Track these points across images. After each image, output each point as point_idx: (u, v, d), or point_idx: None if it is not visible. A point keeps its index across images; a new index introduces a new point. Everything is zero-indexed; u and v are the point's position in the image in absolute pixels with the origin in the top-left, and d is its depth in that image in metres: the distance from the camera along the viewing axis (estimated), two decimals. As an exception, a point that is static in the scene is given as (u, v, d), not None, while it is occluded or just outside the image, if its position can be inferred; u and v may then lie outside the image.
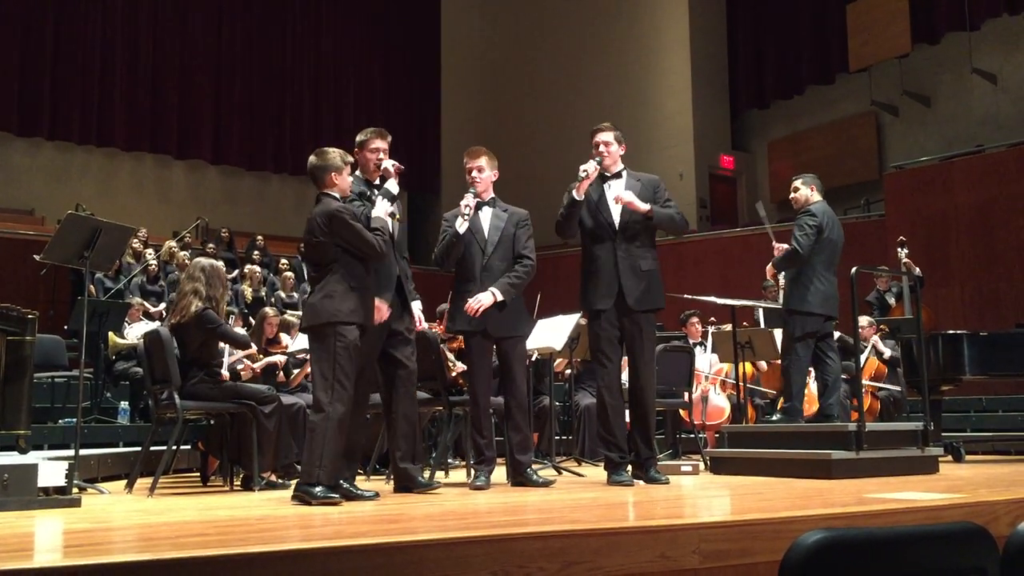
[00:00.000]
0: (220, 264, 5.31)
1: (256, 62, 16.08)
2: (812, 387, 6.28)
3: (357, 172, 4.55)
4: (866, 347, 7.73)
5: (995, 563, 1.49)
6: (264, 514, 3.46)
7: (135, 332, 8.03)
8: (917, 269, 8.28)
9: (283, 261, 12.26)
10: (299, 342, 6.46)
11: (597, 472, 5.95)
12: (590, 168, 4.69)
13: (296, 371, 6.50)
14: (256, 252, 12.27)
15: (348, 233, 3.95)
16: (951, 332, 6.91)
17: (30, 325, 4.26)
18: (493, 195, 4.87)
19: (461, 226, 4.67)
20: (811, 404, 6.27)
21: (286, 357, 6.43)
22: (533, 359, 6.62)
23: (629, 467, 4.74)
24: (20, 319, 4.23)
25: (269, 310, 6.73)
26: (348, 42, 17.13)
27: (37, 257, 5.19)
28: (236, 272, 10.86)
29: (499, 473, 4.92)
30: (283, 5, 16.49)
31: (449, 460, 6.71)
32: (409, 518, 3.23)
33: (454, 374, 5.65)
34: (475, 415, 4.76)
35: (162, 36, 15.20)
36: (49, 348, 7.63)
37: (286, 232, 14.95)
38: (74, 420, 5.16)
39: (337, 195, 4.10)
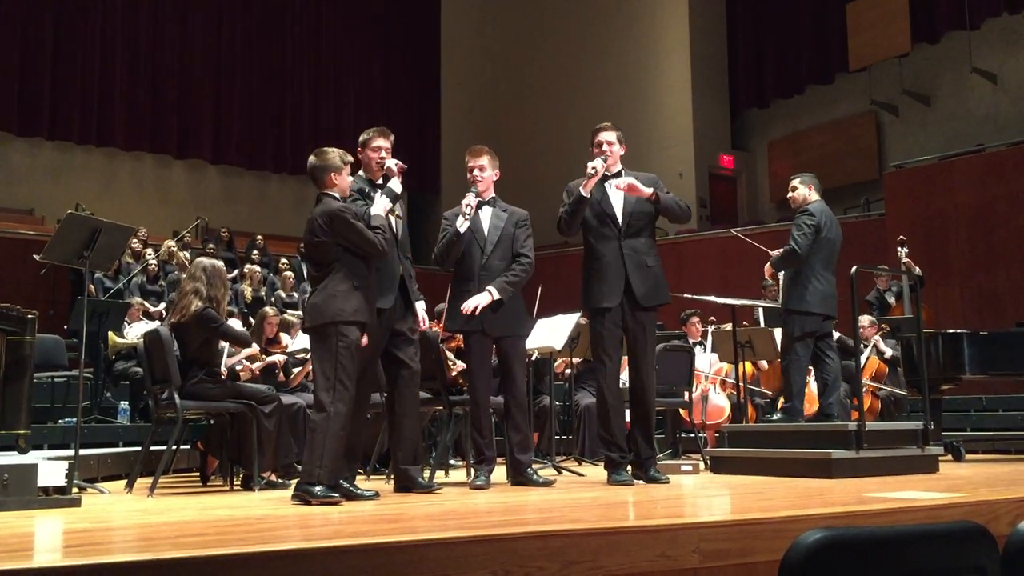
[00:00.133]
0: (221, 264, 5.31)
1: (256, 62, 16.08)
2: (812, 387, 6.28)
3: (360, 172, 4.55)
4: (867, 346, 7.72)
5: (995, 562, 1.49)
6: (264, 514, 3.46)
7: (135, 332, 8.03)
8: (917, 268, 8.28)
9: (283, 261, 12.26)
10: (299, 342, 6.46)
11: (597, 472, 5.95)
12: (598, 166, 4.69)
13: (296, 370, 6.49)
14: (256, 252, 12.26)
15: (349, 232, 3.95)
16: (951, 331, 6.91)
17: (30, 325, 4.26)
18: (494, 195, 4.87)
19: (462, 225, 4.67)
20: (811, 404, 6.26)
21: (285, 357, 6.43)
22: (533, 359, 6.62)
23: (629, 467, 4.74)
24: (20, 319, 4.23)
25: (269, 310, 6.73)
26: (348, 42, 17.13)
27: (37, 257, 5.18)
28: (236, 272, 10.86)
29: (499, 473, 4.92)
30: (283, 5, 16.49)
31: (449, 460, 6.71)
32: (409, 518, 3.23)
33: (454, 374, 5.65)
34: (475, 415, 4.76)
35: (162, 36, 15.20)
36: (49, 348, 7.63)
37: (286, 232, 14.95)
38: (74, 420, 5.17)
39: (337, 195, 4.10)
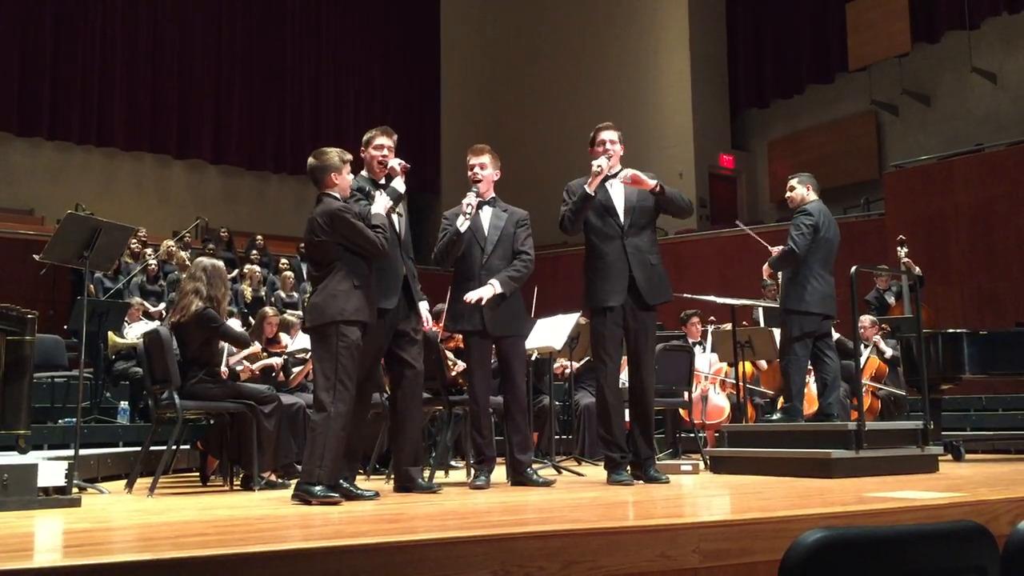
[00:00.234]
0: (221, 264, 5.31)
1: (256, 62, 16.08)
2: (812, 387, 6.28)
3: (363, 172, 4.54)
4: (868, 346, 7.72)
5: (995, 562, 1.49)
6: (264, 514, 3.46)
7: (135, 332, 8.03)
8: (917, 268, 8.28)
9: (283, 261, 12.26)
10: (299, 342, 6.46)
11: (597, 472, 5.95)
12: (603, 164, 4.71)
13: (296, 370, 6.49)
14: (255, 252, 12.27)
15: (350, 232, 3.95)
16: (951, 331, 6.91)
17: (30, 325, 4.26)
18: (494, 195, 4.87)
19: (462, 224, 4.66)
20: (811, 404, 6.26)
21: (281, 360, 6.41)
22: (533, 359, 6.62)
23: (629, 466, 4.74)
24: (20, 319, 4.23)
25: (269, 310, 6.73)
26: (348, 42, 17.13)
27: (37, 257, 5.18)
28: (236, 272, 10.86)
29: (499, 473, 4.92)
30: (283, 5, 16.48)
31: (449, 460, 6.71)
32: (409, 518, 3.23)
33: (454, 374, 5.65)
34: (475, 415, 4.75)
35: (162, 36, 15.19)
36: (49, 348, 7.63)
37: (286, 232, 14.95)
38: (74, 420, 5.17)
39: (338, 195, 4.09)
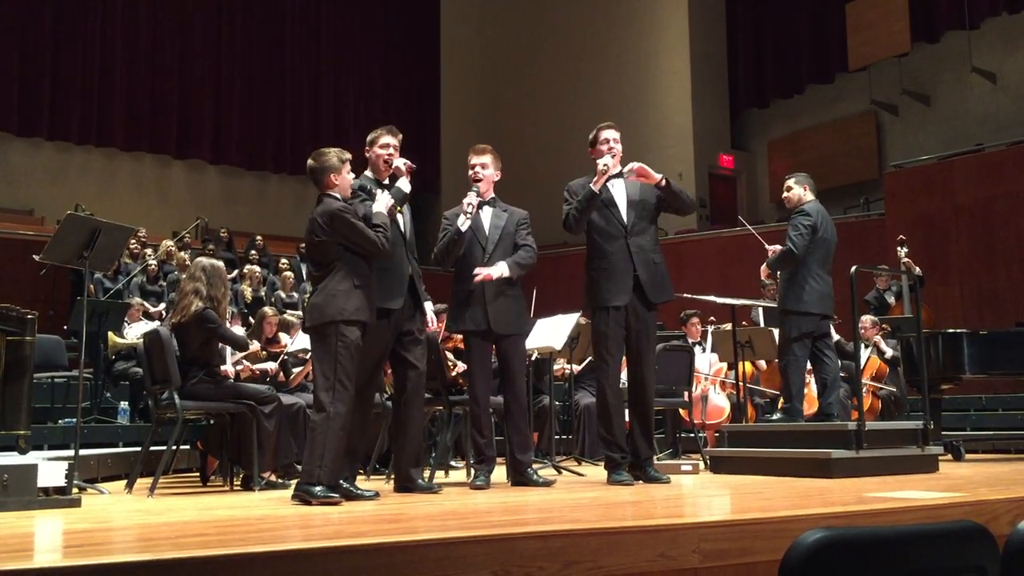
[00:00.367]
0: (221, 264, 5.31)
1: (256, 62, 16.08)
2: (812, 388, 6.28)
3: (367, 171, 4.53)
4: (868, 346, 7.72)
5: (995, 562, 1.49)
6: (264, 514, 3.46)
7: (135, 332, 8.03)
8: (917, 268, 8.28)
9: (283, 261, 12.26)
10: (299, 342, 6.45)
11: (597, 472, 5.95)
12: (609, 162, 4.72)
13: (296, 370, 6.49)
14: (255, 252, 12.27)
15: (350, 232, 3.95)
16: (951, 331, 6.91)
17: (30, 325, 4.26)
18: (494, 195, 4.88)
19: (463, 224, 4.66)
20: (811, 405, 6.26)
21: (276, 365, 6.39)
22: (533, 359, 6.62)
23: (628, 466, 4.74)
24: (20, 319, 4.23)
25: (268, 310, 6.73)
26: (348, 42, 17.13)
27: (37, 257, 5.18)
28: (236, 272, 10.86)
29: (499, 473, 4.92)
30: (283, 5, 16.48)
31: (449, 460, 6.71)
32: (409, 518, 3.23)
33: (454, 374, 5.65)
34: (475, 415, 4.76)
35: (162, 36, 15.19)
36: (49, 348, 7.62)
37: (286, 232, 14.95)
38: (74, 420, 5.17)
39: (338, 195, 4.09)
